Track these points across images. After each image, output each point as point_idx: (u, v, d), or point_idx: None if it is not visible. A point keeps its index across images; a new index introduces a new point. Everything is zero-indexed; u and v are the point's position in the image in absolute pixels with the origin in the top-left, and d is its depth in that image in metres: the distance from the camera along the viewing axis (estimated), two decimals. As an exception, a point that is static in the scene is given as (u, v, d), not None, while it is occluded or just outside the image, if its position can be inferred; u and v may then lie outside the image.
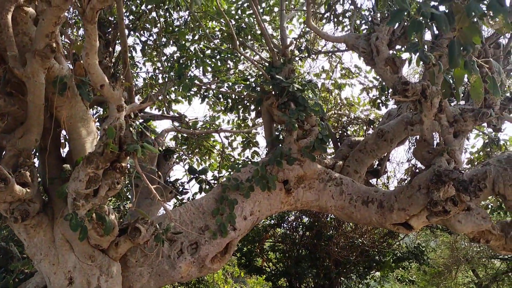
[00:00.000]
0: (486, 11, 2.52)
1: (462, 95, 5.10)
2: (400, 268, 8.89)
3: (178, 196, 7.04)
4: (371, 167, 5.54)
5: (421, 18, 2.70)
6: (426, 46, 4.28)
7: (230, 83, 5.45)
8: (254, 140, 8.35)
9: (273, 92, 5.07)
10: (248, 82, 5.36)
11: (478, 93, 2.84)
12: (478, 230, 4.24)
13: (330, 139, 4.94)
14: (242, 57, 7.02)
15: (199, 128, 9.20)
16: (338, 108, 7.90)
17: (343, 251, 7.90)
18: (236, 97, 6.38)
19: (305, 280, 8.31)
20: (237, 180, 4.27)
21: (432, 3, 2.79)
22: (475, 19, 2.69)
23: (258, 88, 5.30)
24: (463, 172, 3.88)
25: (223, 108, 7.94)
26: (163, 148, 6.57)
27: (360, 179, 5.14)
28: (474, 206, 4.22)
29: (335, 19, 5.67)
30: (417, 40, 3.35)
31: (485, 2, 2.57)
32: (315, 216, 8.22)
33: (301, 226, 8.70)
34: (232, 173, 4.51)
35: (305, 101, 4.92)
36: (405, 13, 2.71)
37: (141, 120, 6.31)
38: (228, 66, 7.10)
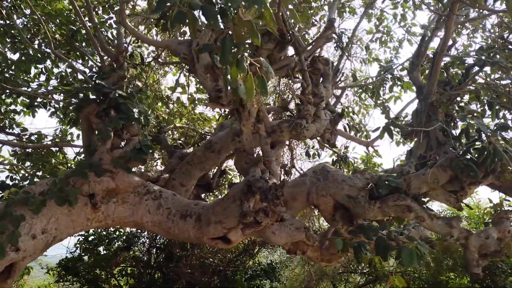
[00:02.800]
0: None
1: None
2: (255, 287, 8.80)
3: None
4: (204, 180, 5.32)
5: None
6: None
7: (49, 89, 4.89)
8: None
9: (95, 100, 4.66)
10: (70, 88, 4.85)
11: (250, 93, 2.73)
12: (292, 241, 4.18)
13: (150, 150, 4.60)
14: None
15: (49, 143, 8.35)
16: (192, 122, 7.68)
17: (194, 271, 7.56)
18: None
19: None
20: (28, 194, 3.72)
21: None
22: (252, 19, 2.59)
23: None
24: (269, 181, 3.80)
25: (61, 117, 7.24)
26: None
27: (188, 193, 4.88)
28: (288, 216, 4.17)
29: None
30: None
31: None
32: (169, 236, 7.80)
33: (154, 248, 8.20)
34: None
35: (128, 109, 4.57)
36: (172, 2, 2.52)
37: None
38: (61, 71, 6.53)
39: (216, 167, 5.43)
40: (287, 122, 4.36)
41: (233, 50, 2.64)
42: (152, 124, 6.02)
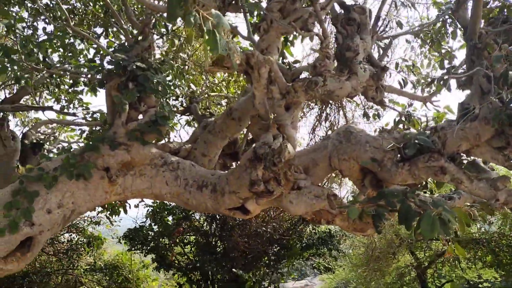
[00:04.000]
0: None
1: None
2: (316, 256, 8.57)
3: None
4: (232, 149, 5.13)
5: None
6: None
7: (73, 66, 4.99)
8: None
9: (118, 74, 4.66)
10: (93, 64, 4.89)
11: (206, 51, 2.43)
12: (313, 210, 3.86)
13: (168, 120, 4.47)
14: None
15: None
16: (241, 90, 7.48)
17: (249, 240, 7.52)
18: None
19: (211, 272, 7.94)
20: (42, 170, 3.83)
21: None
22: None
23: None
24: (273, 146, 3.49)
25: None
26: (30, 142, 6.11)
27: (212, 163, 4.73)
28: (307, 184, 3.85)
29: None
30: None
31: None
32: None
33: (210, 217, 8.30)
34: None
35: (146, 80, 4.50)
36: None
37: None
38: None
39: (243, 135, 5.20)
40: (301, 81, 3.96)
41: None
42: (186, 94, 5.94)
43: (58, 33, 4.65)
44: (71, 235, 9.74)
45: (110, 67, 4.81)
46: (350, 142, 3.83)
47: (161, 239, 8.60)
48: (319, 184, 4.08)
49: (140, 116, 4.52)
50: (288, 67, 5.20)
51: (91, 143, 4.05)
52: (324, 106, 7.50)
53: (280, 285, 10.55)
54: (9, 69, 4.43)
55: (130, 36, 5.37)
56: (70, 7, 7.30)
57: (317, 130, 7.77)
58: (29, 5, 6.57)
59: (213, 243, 8.34)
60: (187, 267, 8.25)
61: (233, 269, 6.84)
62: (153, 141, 4.46)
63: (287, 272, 8.44)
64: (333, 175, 6.68)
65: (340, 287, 15.37)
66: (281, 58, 6.08)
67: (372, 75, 5.22)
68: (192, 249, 8.77)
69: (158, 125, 4.28)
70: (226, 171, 4.19)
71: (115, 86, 4.56)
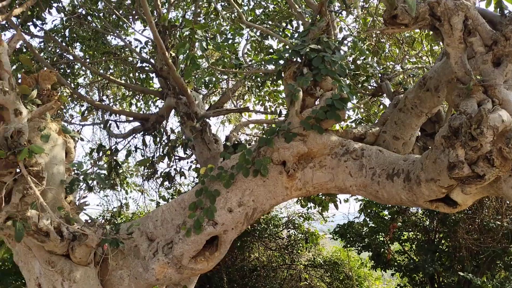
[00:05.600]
0: None
1: None
2: None
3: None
4: (433, 128, 4.17)
5: None
6: None
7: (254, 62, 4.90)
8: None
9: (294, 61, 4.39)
10: (271, 56, 4.72)
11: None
12: (552, 198, 2.71)
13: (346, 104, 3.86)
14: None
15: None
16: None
17: (479, 237, 6.14)
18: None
19: (436, 274, 6.81)
20: (222, 169, 3.78)
21: None
22: None
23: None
24: (469, 115, 2.54)
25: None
26: (231, 143, 6.36)
27: (406, 146, 3.92)
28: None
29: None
30: None
31: None
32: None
33: (429, 210, 7.18)
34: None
35: (320, 62, 4.06)
36: None
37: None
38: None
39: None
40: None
41: None
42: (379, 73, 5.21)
43: (233, 32, 4.63)
44: (289, 231, 10.01)
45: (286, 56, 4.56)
46: None
47: (376, 236, 7.98)
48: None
49: (317, 103, 4.11)
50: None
51: (265, 136, 3.84)
52: None
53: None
54: (196, 76, 4.59)
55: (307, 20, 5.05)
56: (265, 10, 7.50)
57: None
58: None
59: (435, 240, 7.23)
60: (407, 267, 7.39)
61: (460, 273, 5.70)
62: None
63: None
64: None
65: None
66: (497, 9, 4.80)
67: None
68: (412, 246, 7.84)
69: (335, 109, 3.77)
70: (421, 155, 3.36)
71: (290, 75, 4.29)
